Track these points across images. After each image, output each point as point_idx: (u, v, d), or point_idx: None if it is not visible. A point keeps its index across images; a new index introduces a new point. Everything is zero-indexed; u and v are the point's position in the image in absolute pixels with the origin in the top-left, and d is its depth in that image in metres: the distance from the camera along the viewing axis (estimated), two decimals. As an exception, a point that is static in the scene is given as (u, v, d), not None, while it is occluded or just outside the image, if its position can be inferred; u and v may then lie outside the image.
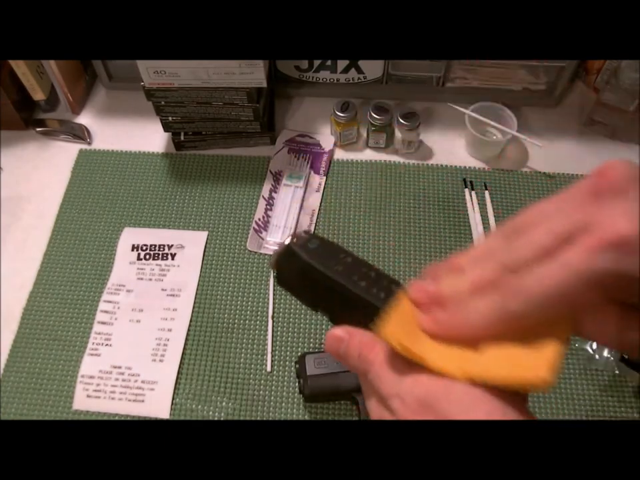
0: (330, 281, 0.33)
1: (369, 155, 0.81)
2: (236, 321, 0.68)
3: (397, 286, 0.33)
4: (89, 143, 0.83)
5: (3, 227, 0.75)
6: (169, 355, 0.65)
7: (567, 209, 0.24)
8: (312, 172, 0.79)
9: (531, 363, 0.25)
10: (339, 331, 0.32)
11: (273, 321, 0.67)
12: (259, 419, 0.62)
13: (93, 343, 0.66)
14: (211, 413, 0.62)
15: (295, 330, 0.67)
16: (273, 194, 0.77)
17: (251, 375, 0.64)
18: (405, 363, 0.29)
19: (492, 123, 0.77)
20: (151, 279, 0.70)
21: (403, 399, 0.28)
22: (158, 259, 0.72)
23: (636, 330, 0.26)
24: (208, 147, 0.81)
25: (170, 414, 0.62)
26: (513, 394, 0.27)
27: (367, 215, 0.75)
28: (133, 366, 0.65)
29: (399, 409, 0.28)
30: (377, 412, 0.31)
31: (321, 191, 0.77)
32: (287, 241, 0.35)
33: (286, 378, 0.64)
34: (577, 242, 0.23)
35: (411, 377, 0.28)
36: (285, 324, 0.67)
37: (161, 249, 0.72)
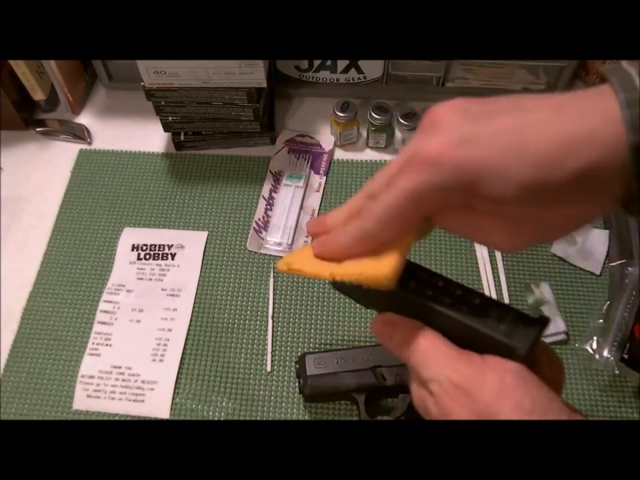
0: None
1: (368, 154, 0.81)
2: (236, 321, 0.68)
3: (442, 280, 0.35)
4: (89, 143, 0.83)
5: (3, 227, 0.75)
6: (168, 355, 0.65)
7: (407, 146, 0.30)
8: (312, 172, 0.79)
9: (378, 264, 0.31)
10: (386, 317, 0.36)
11: (273, 321, 0.67)
12: (258, 418, 0.62)
13: (93, 343, 0.66)
14: (210, 413, 0.62)
15: (295, 330, 0.67)
16: (273, 194, 0.77)
17: (251, 375, 0.64)
18: (444, 352, 0.32)
19: (492, 122, 0.77)
20: (151, 279, 0.70)
21: (441, 382, 0.31)
22: (158, 258, 0.72)
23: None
24: (208, 146, 0.81)
25: (170, 414, 0.62)
26: (545, 394, 0.29)
27: (366, 215, 0.75)
28: (133, 366, 0.65)
29: (437, 391, 0.31)
30: (417, 393, 0.34)
31: (321, 191, 0.77)
32: None
33: (286, 378, 0.64)
34: (404, 168, 0.29)
35: (450, 365, 0.31)
36: (285, 324, 0.67)
37: (161, 249, 0.72)
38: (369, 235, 0.31)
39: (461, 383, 0.30)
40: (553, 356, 0.34)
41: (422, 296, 0.34)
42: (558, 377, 0.33)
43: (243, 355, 0.65)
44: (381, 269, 0.31)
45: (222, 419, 0.62)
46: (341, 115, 0.77)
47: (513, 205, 0.27)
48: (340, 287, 0.39)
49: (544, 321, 0.32)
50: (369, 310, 0.67)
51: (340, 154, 0.81)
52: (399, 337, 0.34)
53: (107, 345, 0.66)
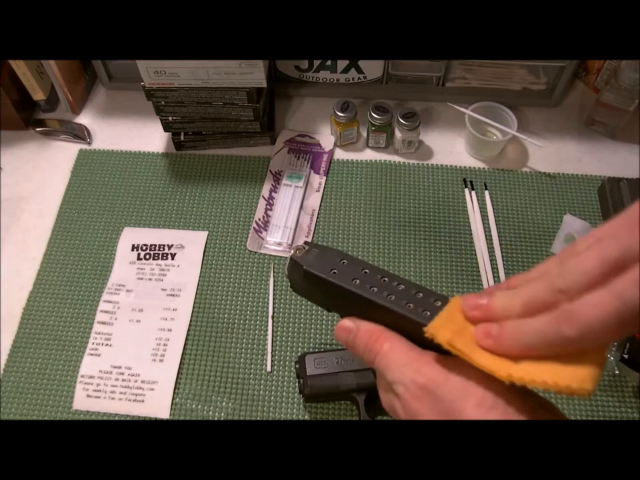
0: (328, 284, 0.36)
1: (369, 154, 0.81)
2: (236, 321, 0.68)
3: (390, 279, 0.35)
4: (89, 143, 0.83)
5: (3, 227, 0.75)
6: (168, 355, 0.65)
7: (618, 234, 0.25)
8: (312, 172, 0.79)
9: (574, 374, 0.26)
10: (348, 322, 0.36)
11: (273, 321, 0.67)
12: (259, 418, 0.62)
13: (93, 343, 0.66)
14: (210, 413, 0.62)
15: (295, 330, 0.67)
16: (273, 194, 0.77)
17: (251, 375, 0.64)
18: (407, 354, 0.32)
19: (492, 122, 0.77)
20: (150, 279, 0.70)
21: (406, 385, 0.31)
22: (158, 258, 0.72)
23: None
24: (208, 146, 0.81)
25: (170, 414, 0.62)
26: (507, 387, 0.29)
27: (367, 215, 0.75)
28: (133, 366, 0.65)
29: (403, 393, 0.31)
30: (384, 396, 0.34)
31: (321, 191, 0.77)
32: (290, 253, 0.39)
33: (286, 378, 0.64)
34: (627, 271, 0.24)
35: (413, 366, 0.31)
36: (285, 324, 0.67)
37: (161, 249, 0.72)
38: (568, 342, 0.26)
39: (424, 384, 0.30)
40: None
41: (383, 299, 0.34)
42: None
43: (243, 355, 0.65)
44: (579, 381, 0.26)
45: (222, 419, 0.62)
46: (341, 114, 0.77)
47: None
48: (300, 289, 0.39)
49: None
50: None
51: (340, 154, 0.81)
52: (361, 341, 0.34)
53: (106, 345, 0.66)
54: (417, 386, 0.31)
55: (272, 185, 0.78)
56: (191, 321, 0.67)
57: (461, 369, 0.30)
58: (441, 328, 0.30)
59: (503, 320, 0.28)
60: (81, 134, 0.82)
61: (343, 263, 0.36)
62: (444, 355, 0.31)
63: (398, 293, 0.34)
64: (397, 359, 0.32)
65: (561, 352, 0.27)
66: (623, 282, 0.24)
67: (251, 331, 0.67)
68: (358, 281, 0.35)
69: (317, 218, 0.75)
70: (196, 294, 0.69)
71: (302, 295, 0.40)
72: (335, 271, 0.36)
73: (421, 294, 0.34)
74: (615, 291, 0.24)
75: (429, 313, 0.32)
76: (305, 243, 0.39)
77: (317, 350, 0.64)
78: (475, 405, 0.28)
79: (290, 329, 0.67)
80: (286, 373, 0.64)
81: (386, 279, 0.35)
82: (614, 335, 0.25)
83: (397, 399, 0.32)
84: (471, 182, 0.77)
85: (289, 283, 0.40)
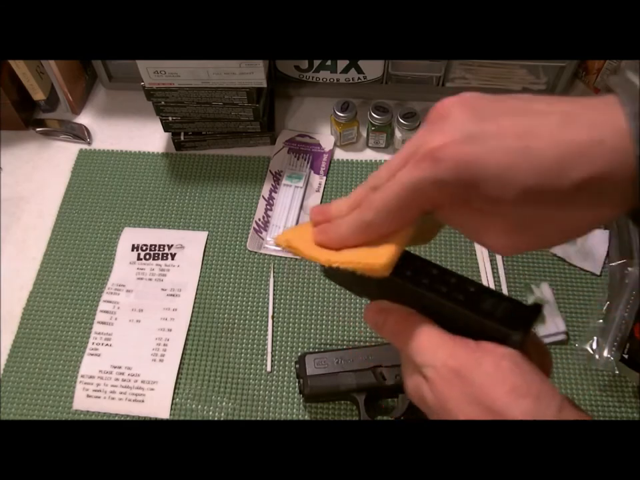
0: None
1: (369, 154, 0.81)
2: (236, 321, 0.68)
3: (424, 264, 0.36)
4: (89, 143, 0.83)
5: (3, 227, 0.75)
6: (168, 355, 0.65)
7: (413, 139, 0.30)
8: (312, 172, 0.79)
9: (375, 253, 0.32)
10: (378, 305, 0.36)
11: (273, 321, 0.67)
12: (259, 419, 0.62)
13: (93, 343, 0.66)
14: (210, 413, 0.62)
15: (295, 330, 0.67)
16: (273, 194, 0.77)
17: (251, 375, 0.64)
18: (439, 338, 0.32)
19: (492, 122, 0.77)
20: (150, 279, 0.70)
21: (437, 368, 0.31)
22: (158, 259, 0.72)
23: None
24: (208, 146, 0.81)
25: (170, 414, 0.62)
26: (539, 378, 0.29)
27: (366, 215, 0.75)
28: (133, 366, 0.65)
29: (433, 377, 0.31)
30: (411, 380, 0.34)
31: (321, 191, 0.77)
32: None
33: (286, 378, 0.64)
34: (406, 162, 0.29)
35: (446, 350, 0.31)
36: (285, 324, 0.67)
37: (161, 249, 0.72)
38: (368, 225, 0.32)
39: (456, 367, 0.30)
40: (539, 343, 0.34)
41: (417, 284, 0.34)
42: (546, 364, 0.34)
43: (242, 355, 0.65)
44: (377, 257, 0.32)
45: (222, 419, 0.62)
46: (341, 114, 0.77)
47: (512, 207, 0.28)
48: (332, 274, 0.39)
49: (537, 308, 0.33)
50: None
51: (340, 154, 0.81)
52: (392, 323, 0.35)
53: (106, 345, 0.66)
54: (448, 369, 0.31)
55: (272, 185, 0.78)
56: (191, 321, 0.67)
57: (494, 356, 0.30)
58: (285, 233, 0.36)
59: (334, 219, 0.34)
60: (80, 134, 0.82)
61: None
62: (477, 342, 0.31)
63: (432, 277, 0.34)
64: (428, 342, 0.32)
65: (370, 238, 0.32)
66: (400, 170, 0.30)
67: (251, 331, 0.67)
68: (407, 271, 0.35)
69: (317, 218, 0.75)
70: (196, 294, 0.69)
71: (333, 280, 0.40)
72: None
73: (454, 279, 0.34)
74: (395, 178, 0.30)
75: (462, 297, 0.33)
76: None
77: (317, 350, 0.64)
78: (507, 391, 0.28)
79: (290, 328, 0.67)
80: (286, 373, 0.64)
81: (420, 263, 0.35)
82: (401, 215, 0.31)
83: (426, 383, 0.32)
84: (471, 182, 0.77)
85: (322, 268, 0.40)
